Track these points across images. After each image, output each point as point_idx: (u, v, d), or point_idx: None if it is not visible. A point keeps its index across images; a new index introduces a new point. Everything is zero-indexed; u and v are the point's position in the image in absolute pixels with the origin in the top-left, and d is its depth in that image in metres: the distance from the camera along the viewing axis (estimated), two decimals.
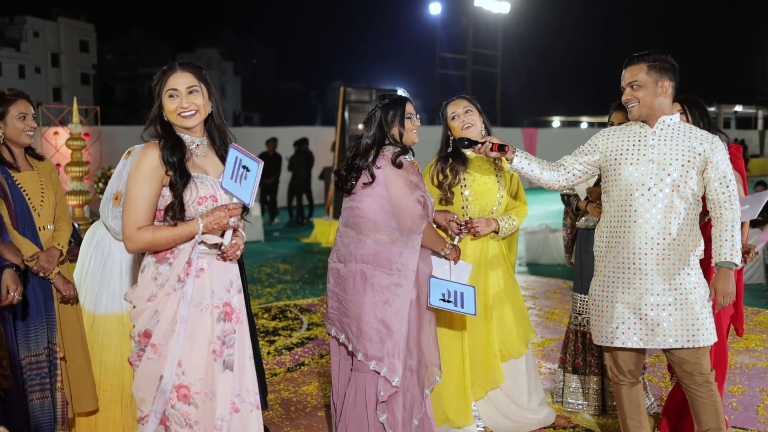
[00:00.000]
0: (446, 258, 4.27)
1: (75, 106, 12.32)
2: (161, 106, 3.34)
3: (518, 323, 4.70)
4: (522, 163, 4.06)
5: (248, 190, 3.16)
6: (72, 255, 4.65)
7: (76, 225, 10.77)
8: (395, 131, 4.10)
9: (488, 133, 4.62)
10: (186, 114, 3.33)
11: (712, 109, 53.54)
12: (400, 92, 4.29)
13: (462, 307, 4.18)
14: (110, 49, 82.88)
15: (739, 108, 57.67)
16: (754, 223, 11.33)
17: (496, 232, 4.60)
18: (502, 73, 42.64)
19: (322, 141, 22.05)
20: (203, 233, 3.23)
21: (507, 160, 4.09)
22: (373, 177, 4.00)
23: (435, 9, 39.48)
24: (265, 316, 8.44)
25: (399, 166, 3.98)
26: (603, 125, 4.97)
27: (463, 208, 4.63)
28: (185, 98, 3.32)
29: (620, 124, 4.76)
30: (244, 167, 3.16)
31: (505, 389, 4.76)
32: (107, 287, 4.32)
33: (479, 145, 4.09)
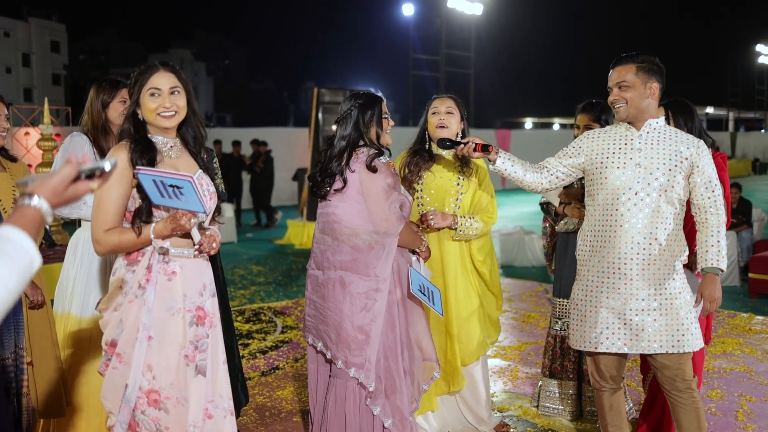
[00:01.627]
0: (419, 256, 4.18)
1: (46, 106, 12.14)
2: (138, 105, 3.26)
3: (478, 327, 4.68)
4: (505, 164, 3.99)
5: (195, 202, 3.03)
6: (45, 257, 4.56)
7: (47, 227, 10.64)
8: (373, 132, 3.98)
9: (464, 138, 4.54)
10: (166, 114, 3.26)
11: None
12: (372, 91, 4.20)
13: (433, 303, 4.10)
14: (82, 49, 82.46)
15: (710, 110, 58.17)
16: (728, 226, 11.37)
17: (453, 229, 4.50)
18: (475, 75, 42.54)
19: (295, 142, 21.98)
20: (163, 238, 3.17)
21: (490, 161, 4.02)
22: (345, 182, 3.89)
23: (408, 10, 39.37)
24: (239, 318, 8.33)
25: (374, 170, 3.85)
26: (590, 128, 4.88)
27: (419, 206, 4.58)
28: (168, 98, 3.26)
29: (586, 126, 4.74)
30: (172, 186, 3.00)
31: (465, 398, 4.78)
32: (94, 288, 4.22)
33: (462, 146, 4.01)
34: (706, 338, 4.48)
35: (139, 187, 3.14)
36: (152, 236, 3.15)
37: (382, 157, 3.96)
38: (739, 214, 11.67)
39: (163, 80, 3.27)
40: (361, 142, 3.96)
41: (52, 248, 10.16)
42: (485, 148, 3.95)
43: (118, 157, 3.16)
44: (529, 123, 60.01)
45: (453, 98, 4.66)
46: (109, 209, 3.16)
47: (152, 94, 3.25)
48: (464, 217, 4.51)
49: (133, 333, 3.15)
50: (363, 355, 3.85)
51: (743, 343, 7.19)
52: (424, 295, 4.06)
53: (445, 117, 4.54)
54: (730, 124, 60.69)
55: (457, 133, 4.56)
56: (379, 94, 4.10)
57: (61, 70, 67.30)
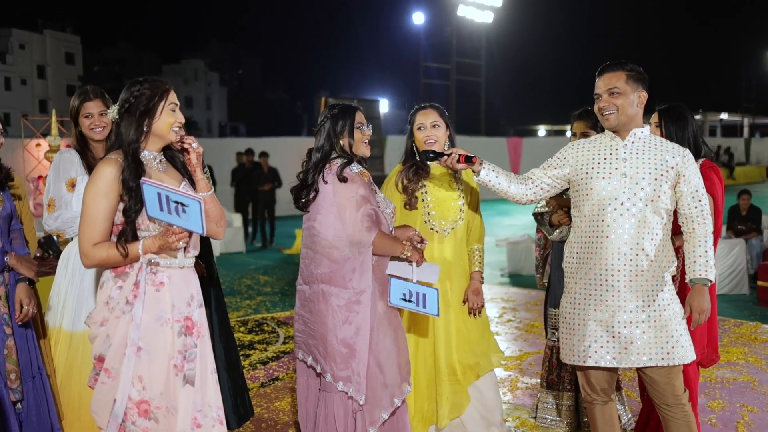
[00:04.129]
0: (408, 261, 4.06)
1: (54, 118, 12.24)
2: (151, 116, 3.29)
3: (486, 336, 4.64)
4: (489, 175, 3.94)
5: (197, 222, 3.09)
6: (49, 267, 4.60)
7: (55, 238, 10.66)
8: (344, 142, 3.97)
9: (452, 146, 4.50)
10: (176, 129, 3.35)
11: (697, 117, 53.82)
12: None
13: (424, 307, 3.98)
14: (96, 60, 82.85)
15: (724, 116, 58.03)
16: (737, 233, 11.31)
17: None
18: (486, 83, 42.55)
19: (305, 151, 21.92)
20: (153, 252, 3.21)
21: (474, 172, 3.96)
22: (316, 192, 3.90)
23: (419, 19, 39.51)
24: (242, 329, 8.33)
25: (343, 180, 3.85)
26: (586, 135, 4.81)
27: (425, 215, 4.51)
28: (179, 114, 3.37)
29: (582, 134, 4.69)
30: (177, 203, 3.07)
31: (479, 408, 4.64)
32: (86, 302, 4.21)
33: (445, 157, 3.96)
34: (709, 357, 4.36)
35: (125, 212, 3.18)
36: (141, 252, 3.18)
37: (354, 167, 3.95)
38: (749, 221, 11.59)
39: (175, 96, 3.39)
40: (334, 153, 3.97)
41: (58, 258, 10.19)
42: (469, 159, 3.90)
43: (107, 171, 3.19)
44: (542, 130, 59.95)
45: (436, 108, 4.57)
46: (96, 223, 3.18)
47: (173, 110, 3.34)
48: (480, 263, 4.64)
49: (120, 348, 3.17)
50: (349, 368, 3.82)
51: (748, 353, 7.10)
52: (410, 301, 3.96)
53: (431, 132, 4.46)
54: (745, 130, 60.42)
55: (446, 143, 4.49)
56: (356, 104, 4.09)
57: (75, 81, 67.54)
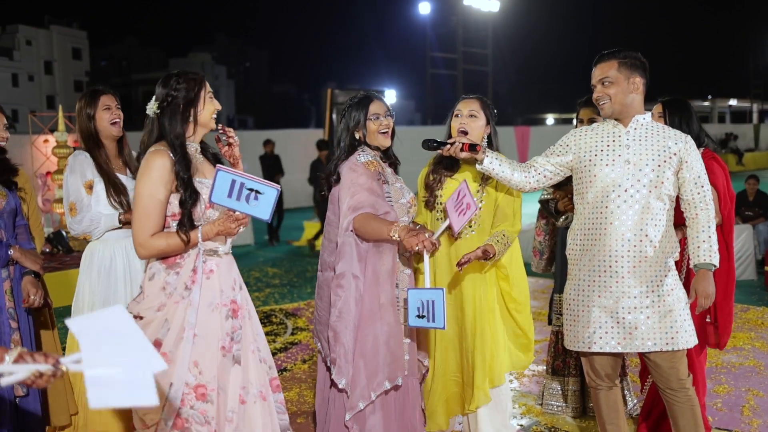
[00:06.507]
0: (399, 239, 3.70)
1: (60, 114, 12.29)
2: (195, 106, 3.40)
3: (502, 348, 4.35)
4: (493, 163, 3.95)
5: (267, 210, 3.18)
6: (59, 263, 4.62)
7: (64, 233, 10.72)
8: (359, 134, 4.00)
9: (490, 143, 4.28)
10: (215, 116, 3.47)
11: (705, 103, 53.61)
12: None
13: (433, 321, 3.69)
14: (103, 55, 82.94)
15: (733, 102, 57.80)
16: (745, 219, 11.29)
17: (491, 256, 4.04)
18: (493, 72, 42.56)
19: (313, 143, 21.99)
20: (210, 238, 3.31)
21: (477, 160, 3.96)
22: (329, 189, 3.97)
23: (424, 8, 39.44)
24: None
25: (339, 176, 3.93)
26: (593, 122, 4.77)
27: (436, 214, 4.29)
28: (216, 101, 3.49)
29: (590, 120, 4.69)
30: (251, 190, 3.14)
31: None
32: (113, 299, 4.19)
33: (447, 146, 3.96)
34: (722, 341, 4.39)
35: (182, 203, 3.27)
36: (200, 239, 3.28)
37: (361, 156, 3.96)
38: (756, 207, 11.57)
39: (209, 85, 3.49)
40: (343, 145, 4.03)
41: (69, 254, 10.25)
42: (472, 148, 3.91)
43: (159, 162, 3.27)
44: (550, 119, 59.83)
45: (479, 100, 4.32)
46: (153, 214, 3.26)
47: (211, 98, 3.45)
48: (494, 239, 4.09)
49: (179, 333, 3.26)
50: (335, 351, 3.84)
51: (754, 338, 7.13)
52: (423, 317, 3.72)
53: (466, 121, 4.22)
54: (754, 116, 60.19)
55: (483, 138, 4.26)
56: (374, 93, 4.08)
57: (83, 77, 67.69)
